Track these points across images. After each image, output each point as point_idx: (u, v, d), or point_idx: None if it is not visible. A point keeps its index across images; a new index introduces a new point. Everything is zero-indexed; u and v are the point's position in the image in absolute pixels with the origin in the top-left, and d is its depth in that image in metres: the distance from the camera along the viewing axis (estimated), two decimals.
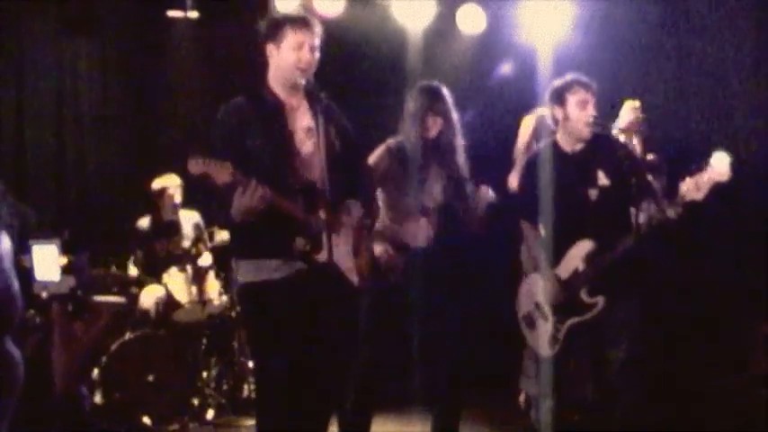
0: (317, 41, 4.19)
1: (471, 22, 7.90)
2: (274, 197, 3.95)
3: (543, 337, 5.13)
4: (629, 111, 6.35)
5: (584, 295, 4.98)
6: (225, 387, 7.03)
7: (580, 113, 5.02)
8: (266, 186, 3.91)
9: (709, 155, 4.72)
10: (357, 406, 5.05)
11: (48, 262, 3.03)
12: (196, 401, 6.69)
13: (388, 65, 5.12)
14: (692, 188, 4.70)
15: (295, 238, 4.06)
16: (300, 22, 4.16)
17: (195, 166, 3.83)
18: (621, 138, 5.98)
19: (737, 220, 6.01)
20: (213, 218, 5.98)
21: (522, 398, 5.98)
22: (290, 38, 4.14)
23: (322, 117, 4.15)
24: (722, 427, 5.52)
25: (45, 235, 3.07)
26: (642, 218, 4.80)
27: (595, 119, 5.02)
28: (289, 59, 4.14)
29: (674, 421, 5.58)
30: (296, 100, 4.23)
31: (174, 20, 7.94)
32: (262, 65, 4.28)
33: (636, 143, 6.19)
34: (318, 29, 4.20)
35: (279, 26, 4.17)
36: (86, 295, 2.68)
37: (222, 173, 3.83)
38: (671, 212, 4.75)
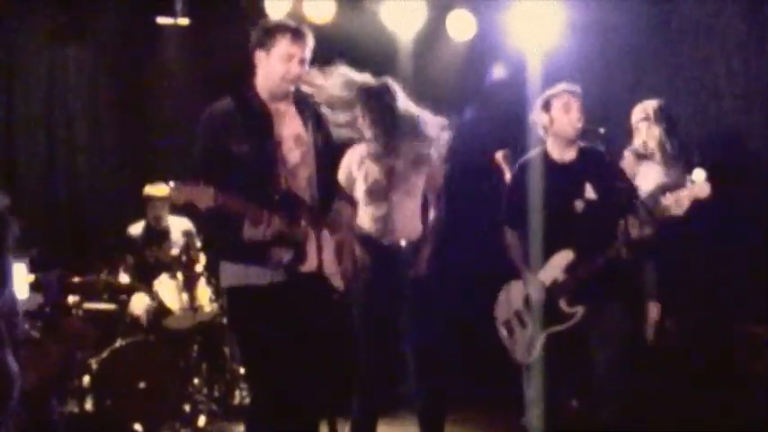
0: (308, 54, 4.17)
1: (461, 27, 7.90)
2: (283, 225, 3.98)
3: (521, 345, 5.18)
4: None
5: (563, 304, 5.02)
6: (216, 393, 7.03)
7: (564, 116, 5.07)
8: (275, 216, 3.94)
9: (700, 159, 4.74)
10: (362, 411, 5.06)
11: (16, 280, 3.05)
12: (187, 408, 6.68)
13: (378, 70, 5.11)
14: (673, 204, 4.78)
15: (278, 251, 4.06)
16: (293, 33, 4.12)
17: (178, 195, 3.83)
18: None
19: (721, 222, 6.01)
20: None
21: None
22: (281, 48, 4.11)
23: (311, 124, 4.16)
24: (722, 426, 5.50)
25: (14, 253, 3.08)
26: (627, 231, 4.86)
27: (587, 131, 5.07)
28: (277, 69, 4.11)
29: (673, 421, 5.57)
30: (283, 106, 4.21)
31: (163, 27, 7.93)
32: (250, 69, 4.24)
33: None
34: (310, 41, 4.17)
35: (271, 34, 4.14)
36: (55, 312, 2.71)
37: (204, 198, 3.82)
38: (646, 230, 4.80)
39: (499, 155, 6.20)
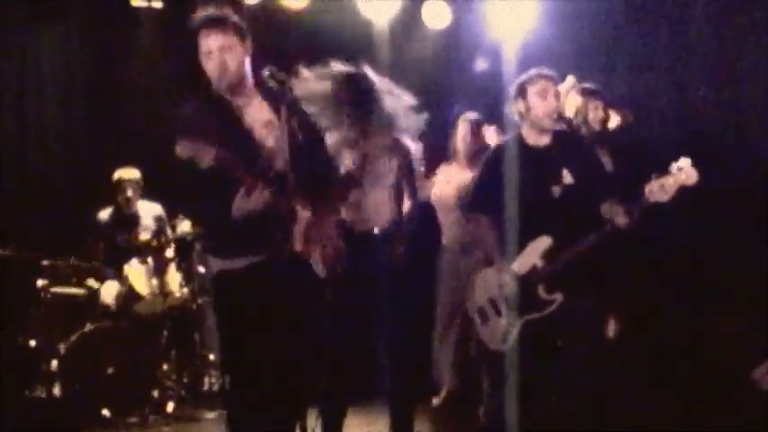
0: (232, 40, 4.05)
1: (436, 16, 7.91)
2: (274, 197, 3.95)
3: (496, 332, 5.13)
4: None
5: (541, 291, 4.99)
6: (185, 379, 7.00)
7: (540, 103, 5.03)
8: (268, 187, 3.91)
9: (673, 148, 4.73)
10: (331, 401, 5.04)
11: None
12: (156, 394, 6.65)
13: (352, 58, 5.10)
14: (658, 190, 4.72)
15: (265, 230, 4.04)
16: (206, 24, 4.05)
17: (184, 148, 3.79)
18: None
19: (696, 216, 6.04)
20: (186, 207, 5.92)
21: None
22: (202, 45, 4.06)
23: (284, 109, 4.13)
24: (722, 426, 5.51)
25: None
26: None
27: (561, 117, 5.06)
28: (207, 70, 4.07)
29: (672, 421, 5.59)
30: (242, 99, 4.15)
31: (138, 9, 7.87)
32: None
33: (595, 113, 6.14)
34: (237, 24, 4.07)
35: (193, 34, 4.09)
36: None
37: (206, 156, 3.79)
38: (622, 220, 4.79)
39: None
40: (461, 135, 6.62)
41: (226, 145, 3.97)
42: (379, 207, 5.10)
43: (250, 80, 4.17)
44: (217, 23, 4.04)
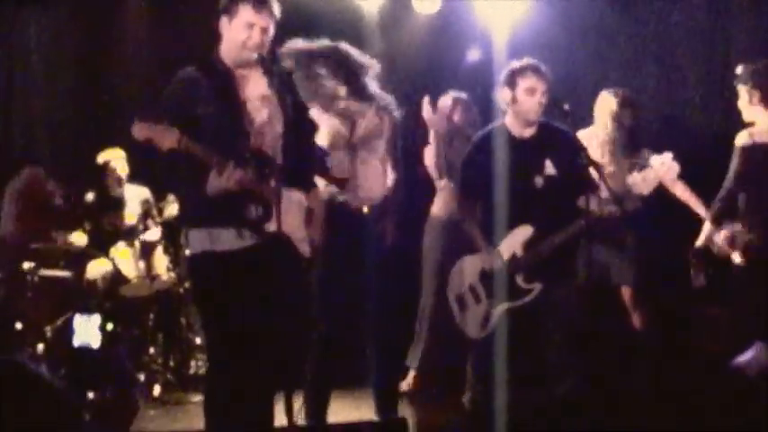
0: (271, 23, 4.17)
1: (426, 1, 7.87)
2: (246, 178, 3.95)
3: (474, 320, 5.16)
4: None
5: (520, 280, 5.02)
6: (172, 363, 7.00)
7: (528, 99, 5.05)
8: (240, 169, 3.92)
9: (663, 139, 4.74)
10: (315, 383, 5.05)
11: None
12: (142, 377, 6.65)
13: (342, 42, 5.11)
14: (639, 182, 4.76)
15: (246, 207, 4.05)
16: (255, 1, 4.13)
17: (140, 130, 3.78)
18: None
19: (677, 205, 6.06)
20: (161, 184, 5.92)
21: None
22: (243, 16, 4.12)
23: (278, 85, 4.14)
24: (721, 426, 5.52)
25: None
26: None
27: (551, 106, 5.06)
28: (238, 37, 4.13)
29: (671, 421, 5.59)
30: (246, 71, 4.21)
31: None
32: (216, 36, 4.24)
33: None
34: (276, 10, 4.17)
35: (234, 1, 4.15)
36: None
37: (168, 138, 3.78)
38: (602, 210, 4.81)
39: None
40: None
41: (217, 111, 4.03)
42: (371, 182, 5.10)
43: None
44: (263, 5, 4.13)
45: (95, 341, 6.08)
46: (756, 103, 5.39)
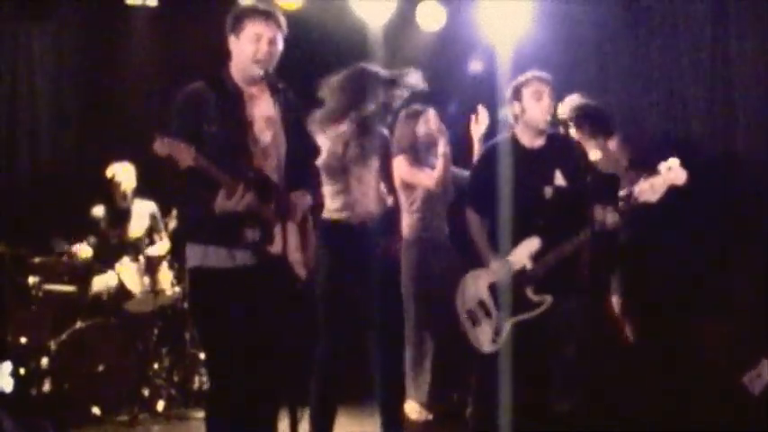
0: (279, 35, 4.19)
1: (431, 18, 7.91)
2: (255, 202, 3.97)
3: (485, 335, 5.14)
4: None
5: (530, 293, 5.01)
6: (176, 378, 7.00)
7: (535, 104, 5.07)
8: (251, 192, 3.94)
9: (665, 152, 4.74)
10: (321, 400, 5.05)
11: None
12: (146, 392, 6.66)
13: (347, 60, 5.12)
14: (647, 189, 4.75)
15: (245, 228, 4.06)
16: (260, 14, 4.17)
17: (161, 146, 3.80)
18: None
19: (688, 217, 6.05)
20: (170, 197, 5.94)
21: None
22: (249, 29, 4.14)
23: (282, 106, 4.17)
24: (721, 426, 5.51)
25: None
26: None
27: (556, 120, 5.08)
28: (246, 51, 4.14)
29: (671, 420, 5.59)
30: (256, 90, 4.23)
31: (132, 7, 7.85)
32: (225, 56, 4.26)
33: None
34: (281, 22, 4.20)
35: (239, 18, 4.18)
36: None
37: (185, 156, 3.81)
38: (610, 220, 4.81)
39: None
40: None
41: (223, 130, 4.04)
42: (369, 198, 5.13)
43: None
44: (268, 17, 4.18)
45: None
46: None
